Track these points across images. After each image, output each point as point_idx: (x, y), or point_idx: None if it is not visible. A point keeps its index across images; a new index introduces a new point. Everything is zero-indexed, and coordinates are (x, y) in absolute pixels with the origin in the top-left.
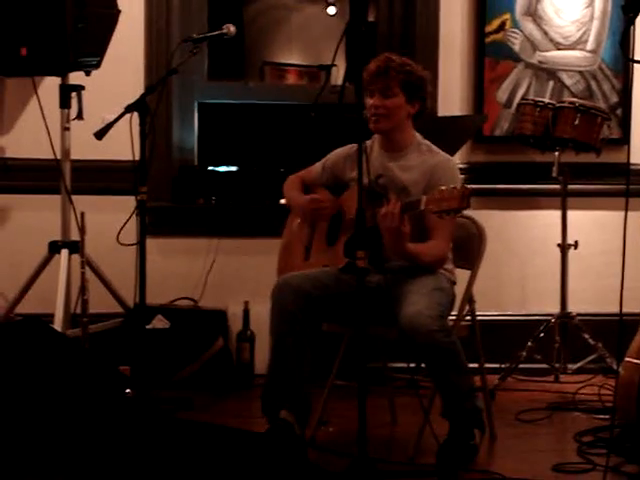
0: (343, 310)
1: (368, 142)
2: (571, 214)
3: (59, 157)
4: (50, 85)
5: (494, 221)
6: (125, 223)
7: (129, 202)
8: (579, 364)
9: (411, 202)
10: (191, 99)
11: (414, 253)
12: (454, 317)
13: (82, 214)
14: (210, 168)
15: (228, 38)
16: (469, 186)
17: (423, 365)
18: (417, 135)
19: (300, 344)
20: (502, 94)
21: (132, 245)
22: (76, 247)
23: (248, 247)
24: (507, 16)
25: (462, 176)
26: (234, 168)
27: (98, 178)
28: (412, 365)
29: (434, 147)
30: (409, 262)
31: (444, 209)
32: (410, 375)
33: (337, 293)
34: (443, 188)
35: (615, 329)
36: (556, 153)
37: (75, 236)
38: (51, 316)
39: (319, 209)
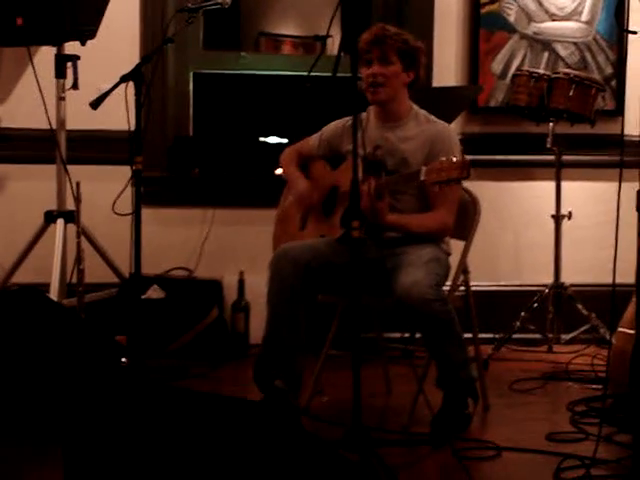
0: (340, 280)
1: (363, 114)
2: (565, 185)
3: (54, 127)
4: (45, 55)
5: (488, 192)
6: (121, 193)
7: (125, 172)
8: (572, 334)
9: (410, 173)
10: (186, 69)
11: (399, 224)
12: (448, 287)
13: (78, 184)
14: (205, 138)
15: (224, 8)
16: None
17: (417, 335)
18: (414, 105)
19: (296, 315)
20: (497, 65)
21: (127, 215)
22: (72, 217)
23: (243, 217)
24: None
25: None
26: (229, 138)
27: (94, 148)
28: (406, 335)
29: (431, 116)
30: (403, 233)
31: (444, 179)
32: (404, 345)
33: (335, 263)
34: (443, 159)
35: (608, 300)
36: (550, 124)
37: (71, 206)
38: (47, 285)
39: (308, 201)
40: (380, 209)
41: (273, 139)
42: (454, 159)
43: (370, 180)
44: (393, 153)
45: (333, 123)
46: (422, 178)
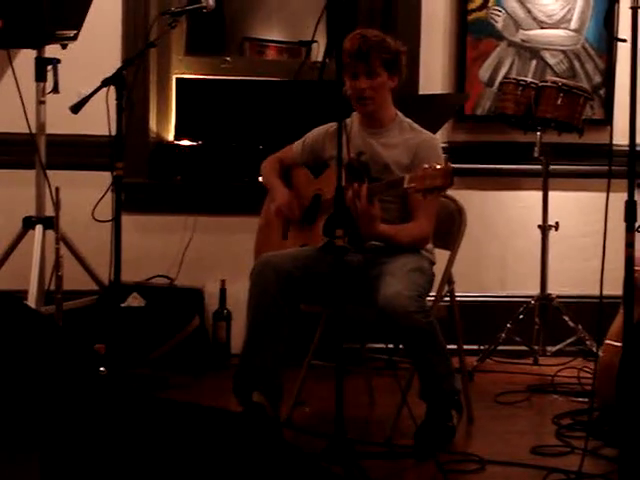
0: (322, 290)
1: (348, 120)
2: (552, 195)
3: (34, 131)
4: (26, 58)
5: (475, 201)
6: (100, 199)
7: (105, 178)
8: (559, 346)
9: (394, 181)
10: (169, 74)
11: (389, 234)
12: (433, 298)
13: (57, 189)
14: (188, 144)
15: (207, 12)
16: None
17: (401, 346)
18: (398, 112)
19: (277, 326)
20: (484, 73)
21: (108, 221)
22: (51, 223)
23: (225, 225)
24: None
25: (443, 155)
26: (212, 145)
27: (74, 153)
28: (390, 346)
29: (416, 125)
30: (386, 244)
31: (428, 187)
32: (388, 356)
33: (317, 273)
34: (426, 166)
35: (595, 311)
36: (538, 133)
37: (50, 212)
38: (25, 292)
39: (287, 213)
40: (375, 216)
41: (256, 146)
42: (437, 166)
43: (357, 185)
44: (376, 160)
45: (316, 129)
46: (405, 186)
